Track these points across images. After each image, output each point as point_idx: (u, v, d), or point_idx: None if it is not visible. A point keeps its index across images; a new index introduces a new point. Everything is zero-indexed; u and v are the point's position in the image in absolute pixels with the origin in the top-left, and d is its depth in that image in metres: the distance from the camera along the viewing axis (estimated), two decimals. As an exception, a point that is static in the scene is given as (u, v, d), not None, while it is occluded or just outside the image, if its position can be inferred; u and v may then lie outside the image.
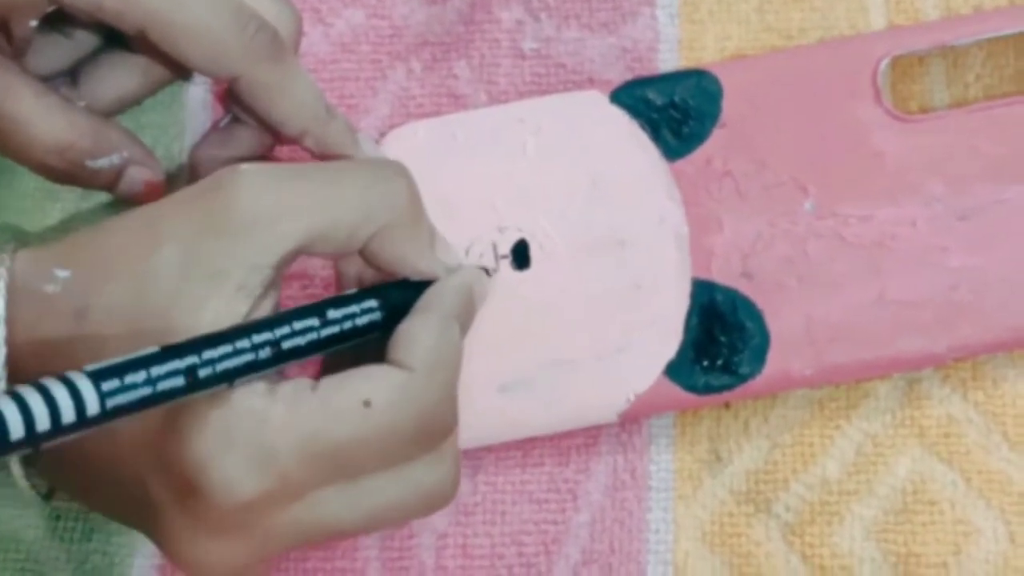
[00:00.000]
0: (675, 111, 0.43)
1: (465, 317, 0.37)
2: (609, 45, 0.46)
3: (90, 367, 0.30)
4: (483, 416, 0.41)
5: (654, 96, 0.43)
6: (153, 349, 0.31)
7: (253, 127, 0.41)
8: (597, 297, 0.42)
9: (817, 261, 0.41)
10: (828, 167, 0.42)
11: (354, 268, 0.39)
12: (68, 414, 0.29)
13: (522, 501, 0.43)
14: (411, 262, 0.36)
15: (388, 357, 0.35)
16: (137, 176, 0.42)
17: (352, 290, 0.36)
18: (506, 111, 0.44)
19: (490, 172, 0.43)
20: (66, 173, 0.41)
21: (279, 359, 0.33)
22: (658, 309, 0.42)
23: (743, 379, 0.41)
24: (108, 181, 0.42)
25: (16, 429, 0.28)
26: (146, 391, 0.30)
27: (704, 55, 0.45)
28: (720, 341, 0.41)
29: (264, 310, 0.35)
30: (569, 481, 0.43)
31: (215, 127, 0.43)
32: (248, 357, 0.32)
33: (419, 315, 0.36)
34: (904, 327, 0.41)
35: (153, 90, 0.43)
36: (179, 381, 0.31)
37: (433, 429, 0.35)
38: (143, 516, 0.35)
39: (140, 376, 0.30)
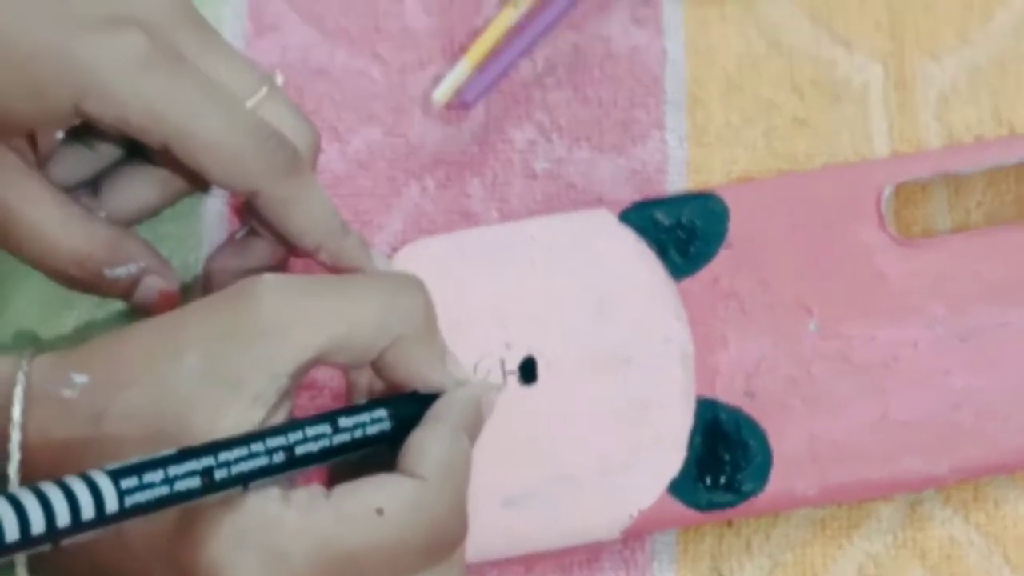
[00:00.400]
0: (682, 231, 0.44)
1: (473, 429, 0.37)
2: (619, 166, 0.47)
3: (109, 466, 0.31)
4: (487, 530, 0.41)
5: (662, 216, 0.44)
6: (171, 451, 0.32)
7: (269, 239, 0.42)
8: (602, 414, 0.42)
9: (821, 381, 0.42)
10: (832, 289, 0.43)
11: (365, 379, 0.40)
12: (88, 510, 0.29)
13: (524, 616, 0.43)
14: (423, 375, 0.37)
15: (399, 467, 0.35)
16: (153, 285, 0.43)
17: (363, 400, 0.37)
18: (516, 228, 0.45)
19: (500, 288, 0.44)
20: (84, 282, 0.42)
21: (292, 464, 0.34)
22: (662, 427, 0.42)
23: (746, 497, 0.41)
24: (125, 290, 0.43)
25: (37, 523, 0.28)
26: (164, 490, 0.31)
27: (712, 178, 0.46)
28: (723, 459, 0.42)
29: (279, 418, 0.35)
30: (572, 597, 0.43)
31: (231, 239, 0.44)
32: (262, 461, 0.33)
33: (430, 426, 0.36)
34: (907, 448, 0.41)
35: (172, 201, 0.44)
36: (195, 482, 0.32)
37: (443, 539, 0.35)
38: None
39: (158, 475, 0.31)
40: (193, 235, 0.47)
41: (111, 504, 0.30)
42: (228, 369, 0.34)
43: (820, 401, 0.42)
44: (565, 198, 0.47)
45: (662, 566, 0.43)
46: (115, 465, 0.31)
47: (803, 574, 0.42)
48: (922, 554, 0.42)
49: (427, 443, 0.35)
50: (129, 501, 0.30)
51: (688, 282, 0.44)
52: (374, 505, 0.34)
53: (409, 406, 0.37)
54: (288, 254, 0.43)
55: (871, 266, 0.43)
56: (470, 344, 0.42)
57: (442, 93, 0.47)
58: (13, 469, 0.35)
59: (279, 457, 0.34)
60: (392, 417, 0.37)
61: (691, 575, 0.42)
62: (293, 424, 0.35)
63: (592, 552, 0.43)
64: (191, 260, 0.47)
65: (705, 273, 0.44)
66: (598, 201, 0.46)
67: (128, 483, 0.30)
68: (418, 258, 0.44)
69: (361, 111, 0.48)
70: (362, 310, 0.36)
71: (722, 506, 0.41)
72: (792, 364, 0.42)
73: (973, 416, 0.41)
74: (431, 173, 0.47)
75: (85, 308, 0.46)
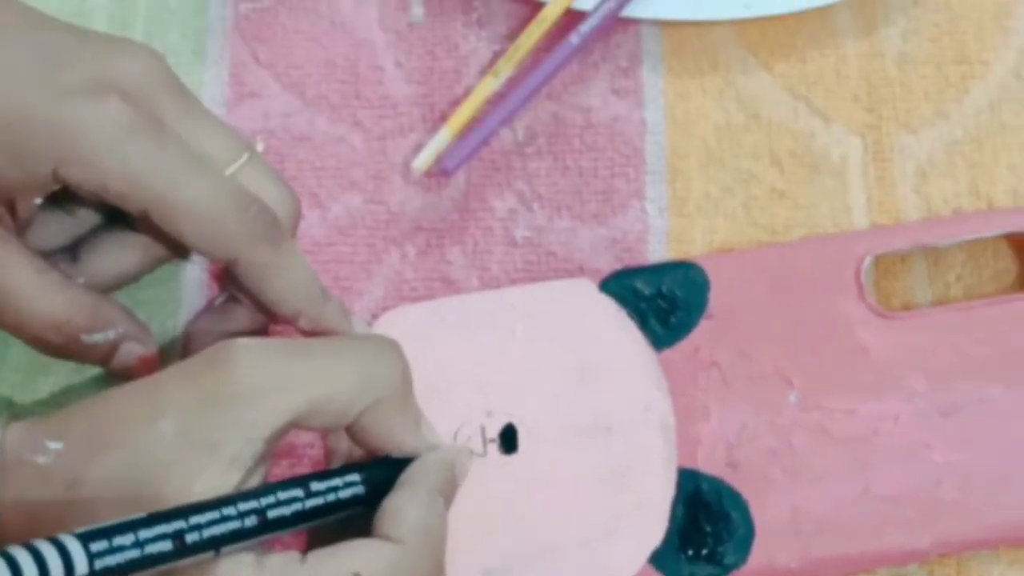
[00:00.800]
0: (663, 301, 0.44)
1: (448, 492, 0.37)
2: (599, 236, 0.47)
3: (79, 530, 0.30)
4: (467, 601, 0.41)
5: (642, 286, 0.44)
6: (141, 515, 0.32)
7: (248, 306, 0.42)
8: (583, 483, 0.42)
9: (802, 453, 0.42)
10: (812, 360, 0.43)
11: (344, 445, 0.39)
12: (57, 573, 0.29)
13: None
14: (398, 439, 0.37)
15: (376, 531, 0.35)
16: (132, 351, 0.42)
17: (337, 465, 0.37)
18: (497, 296, 0.45)
19: (480, 356, 0.44)
20: (62, 348, 0.42)
21: (264, 528, 0.34)
22: (644, 497, 0.42)
23: (728, 570, 0.41)
24: (103, 356, 0.42)
25: None
26: (134, 553, 0.31)
27: (692, 247, 0.46)
28: (706, 530, 0.41)
29: (254, 482, 0.35)
30: (552, 669, 0.42)
31: (210, 304, 0.44)
32: (234, 524, 0.33)
33: (405, 489, 0.36)
34: (889, 522, 0.41)
35: (151, 268, 0.44)
36: (167, 545, 0.31)
37: None
38: None
39: (128, 539, 0.31)
40: (172, 301, 0.46)
41: (80, 567, 0.30)
42: (204, 433, 0.34)
43: (802, 473, 0.42)
44: (545, 266, 0.47)
45: (643, 639, 0.42)
46: (85, 529, 0.31)
47: (785, 648, 0.42)
48: (905, 628, 0.42)
49: (403, 507, 0.35)
50: (99, 564, 0.30)
51: (669, 352, 0.43)
52: (351, 570, 0.34)
53: (383, 470, 0.37)
54: (268, 320, 0.43)
55: (851, 338, 0.43)
56: (450, 411, 0.42)
57: (422, 161, 0.47)
58: None
59: (251, 521, 0.33)
60: (365, 481, 0.36)
61: (672, 648, 0.42)
62: (265, 488, 0.35)
63: (573, 623, 0.42)
64: (169, 326, 0.46)
65: (686, 343, 0.43)
66: (579, 270, 0.46)
67: (98, 546, 0.30)
68: (398, 325, 0.44)
69: (342, 178, 0.48)
70: (340, 374, 0.36)
71: (704, 578, 0.41)
72: (773, 436, 0.42)
73: (955, 491, 0.41)
74: (411, 240, 0.47)
75: (62, 373, 0.45)
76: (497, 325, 0.44)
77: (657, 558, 0.41)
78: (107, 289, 0.43)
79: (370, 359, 0.36)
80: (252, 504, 0.34)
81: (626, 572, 0.41)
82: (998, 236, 0.45)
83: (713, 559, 0.41)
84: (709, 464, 0.42)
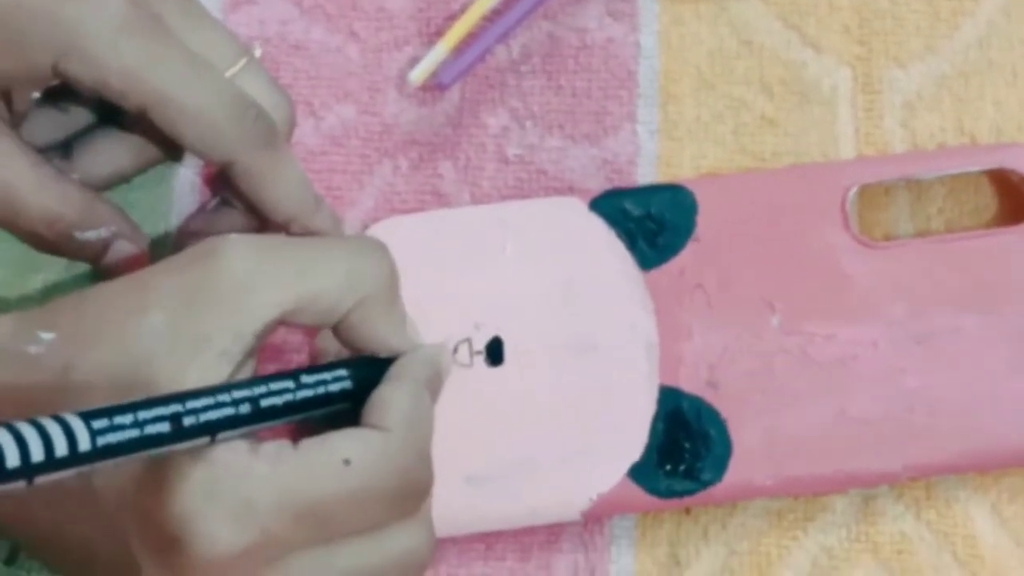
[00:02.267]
0: (651, 222, 0.45)
1: (434, 388, 0.38)
2: (590, 156, 0.48)
3: (80, 410, 0.31)
4: (448, 506, 0.41)
5: (631, 207, 0.45)
6: (140, 398, 0.32)
7: (240, 211, 0.43)
8: (567, 398, 0.43)
9: (781, 376, 0.43)
10: (795, 286, 0.44)
11: (333, 346, 0.40)
12: (61, 447, 0.29)
13: (482, 594, 0.43)
14: (384, 337, 0.37)
15: (364, 421, 0.36)
16: (123, 250, 0.43)
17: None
18: (488, 212, 0.46)
19: (469, 270, 0.44)
20: (54, 243, 0.42)
21: (257, 417, 0.34)
22: (625, 413, 0.43)
23: (704, 485, 0.42)
24: (94, 253, 0.43)
25: (12, 457, 0.29)
26: (133, 433, 0.31)
27: (681, 171, 0.47)
28: (684, 447, 0.42)
29: (243, 376, 0.36)
30: (530, 576, 0.43)
31: (203, 207, 0.44)
32: (229, 411, 0.33)
33: (392, 383, 0.37)
34: (862, 444, 0.42)
35: (144, 168, 0.45)
36: (164, 427, 0.32)
37: (411, 489, 0.35)
38: None
39: (128, 418, 0.31)
40: (163, 203, 0.47)
41: (84, 443, 0.30)
42: (194, 326, 0.35)
43: (780, 395, 0.43)
44: (536, 184, 0.48)
45: (620, 550, 0.43)
46: (85, 409, 0.31)
47: (758, 564, 0.43)
48: (874, 548, 0.43)
49: (390, 398, 0.36)
50: (101, 441, 0.31)
51: (655, 273, 0.44)
52: (341, 456, 0.34)
53: (370, 368, 0.37)
54: (260, 226, 0.43)
55: (834, 266, 0.44)
56: (438, 323, 0.43)
57: (418, 74, 0.47)
58: None
59: (245, 408, 0.34)
60: (353, 376, 0.37)
61: (649, 560, 0.43)
62: (258, 379, 0.35)
63: (552, 533, 0.44)
64: (160, 228, 0.47)
65: (672, 265, 0.44)
66: (569, 189, 0.47)
67: (99, 424, 0.31)
68: (390, 236, 0.44)
69: (336, 88, 0.48)
70: (328, 270, 0.36)
71: (681, 494, 0.42)
72: (754, 358, 0.43)
73: (927, 416, 0.42)
74: (404, 153, 0.48)
75: (52, 271, 0.45)
76: (487, 240, 0.45)
77: (636, 472, 0.42)
78: (100, 188, 0.44)
79: (358, 257, 0.37)
80: (245, 392, 0.34)
81: (605, 485, 0.42)
82: (980, 172, 0.46)
83: (690, 475, 0.42)
84: (690, 383, 0.43)
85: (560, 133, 0.48)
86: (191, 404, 0.33)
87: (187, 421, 0.32)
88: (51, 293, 0.46)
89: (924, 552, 0.43)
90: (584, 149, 0.48)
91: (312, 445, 0.34)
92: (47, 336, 0.36)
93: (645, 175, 0.47)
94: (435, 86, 0.47)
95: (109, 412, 0.31)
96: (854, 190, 0.45)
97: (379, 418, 0.35)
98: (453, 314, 0.43)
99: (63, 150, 0.44)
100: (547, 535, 0.44)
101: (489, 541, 0.43)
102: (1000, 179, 0.46)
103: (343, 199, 0.47)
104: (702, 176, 0.47)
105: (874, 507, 0.43)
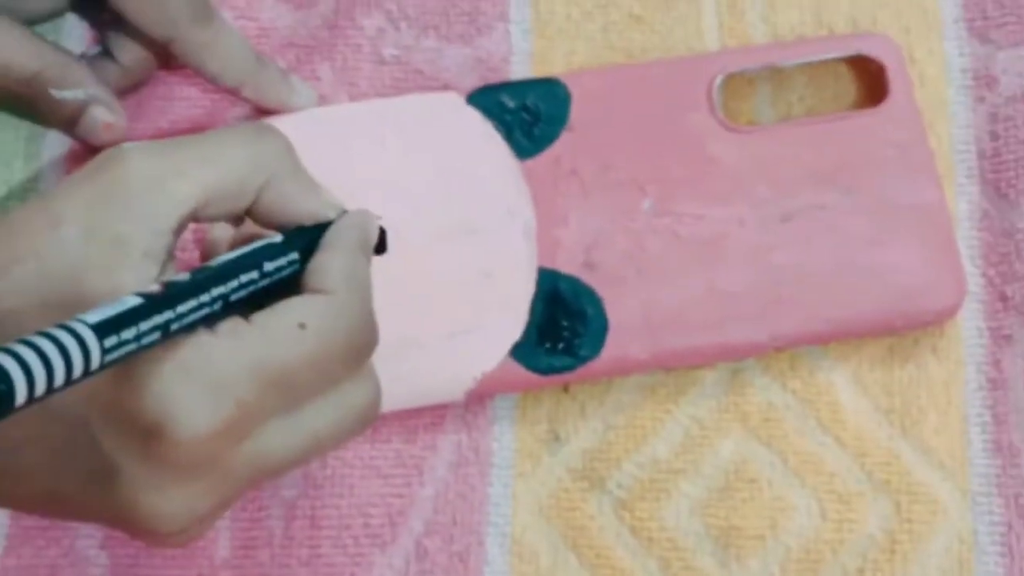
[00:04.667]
0: (526, 114, 0.46)
1: (365, 248, 0.38)
2: (465, 55, 0.49)
3: (89, 321, 0.30)
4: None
5: (507, 100, 0.46)
6: (136, 302, 0.32)
7: (117, 64, 0.47)
8: (449, 282, 0.44)
9: (654, 255, 0.45)
10: (665, 170, 0.46)
11: (224, 234, 0.40)
12: (78, 365, 0.29)
13: (370, 476, 0.45)
14: (301, 205, 0.38)
15: (307, 288, 0.36)
16: (99, 117, 0.45)
17: (270, 239, 0.37)
18: (368, 107, 0.47)
19: (351, 162, 0.46)
20: (31, 102, 0.45)
21: (224, 312, 0.35)
22: (506, 294, 0.44)
23: (583, 361, 0.44)
24: (70, 115, 0.45)
25: (40, 378, 0.28)
26: (133, 346, 0.31)
27: (553, 68, 0.49)
28: (563, 325, 0.44)
29: (167, 275, 0.35)
30: (416, 457, 0.45)
31: (84, 55, 0.47)
32: (207, 311, 0.34)
33: (327, 248, 0.37)
34: (731, 317, 0.44)
35: (62, 12, 0.48)
36: (157, 335, 0.32)
37: (361, 344, 0.36)
38: (90, 486, 0.35)
39: (132, 332, 0.31)
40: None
41: (95, 361, 0.30)
42: (109, 230, 0.34)
43: (653, 273, 0.45)
44: (412, 84, 0.49)
45: (503, 429, 0.45)
46: (92, 321, 0.30)
47: (634, 436, 0.45)
48: (743, 417, 0.45)
49: (327, 262, 0.36)
50: (108, 358, 0.30)
51: (532, 162, 0.46)
52: (295, 321, 0.35)
53: (301, 239, 0.38)
54: (137, 79, 0.47)
55: (702, 151, 0.46)
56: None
57: (294, -23, 0.48)
58: None
59: (218, 306, 0.34)
60: (300, 255, 0.37)
61: (530, 437, 0.45)
62: (225, 272, 0.35)
63: (436, 415, 0.45)
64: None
65: (548, 153, 0.46)
66: (445, 88, 0.48)
67: (110, 341, 0.30)
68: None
69: (213, -7, 0.48)
70: (229, 157, 0.37)
71: (561, 370, 0.44)
72: (628, 239, 0.45)
73: (792, 289, 0.44)
74: (282, 55, 0.49)
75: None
76: (367, 134, 0.46)
77: (517, 351, 0.44)
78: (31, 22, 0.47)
79: (254, 139, 0.37)
80: (221, 290, 0.34)
81: (488, 364, 0.44)
82: (838, 60, 0.48)
83: (569, 351, 0.44)
84: (567, 265, 0.45)
85: (435, 34, 0.49)
86: (180, 309, 0.33)
87: (174, 326, 0.33)
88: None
89: (790, 419, 0.45)
90: (459, 49, 0.49)
91: (266, 317, 0.35)
92: None
93: (519, 73, 0.49)
94: (311, -12, 0.48)
95: (116, 327, 0.31)
96: (719, 79, 0.47)
97: (322, 283, 0.36)
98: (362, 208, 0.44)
99: None
100: (431, 417, 0.45)
101: (375, 425, 0.44)
102: (858, 65, 0.48)
103: (221, 105, 0.48)
104: (575, 70, 0.48)
105: (742, 379, 0.45)
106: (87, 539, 0.44)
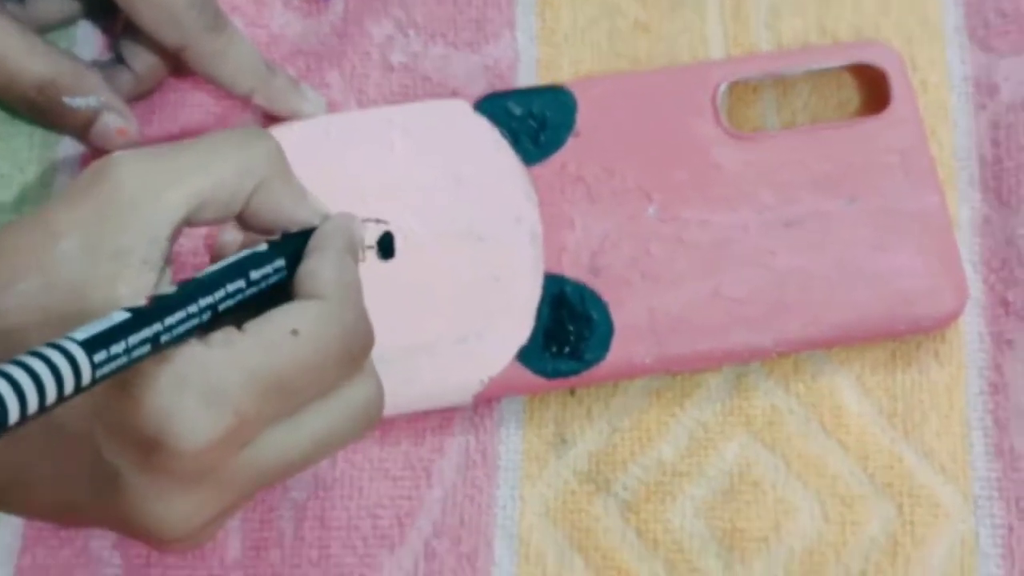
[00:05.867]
0: (533, 120, 0.47)
1: (353, 252, 0.39)
2: (472, 62, 0.49)
3: (78, 338, 0.30)
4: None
5: (514, 107, 0.47)
6: (123, 317, 0.32)
7: (130, 71, 0.47)
8: (456, 286, 0.45)
9: (659, 260, 0.45)
10: (670, 177, 0.46)
11: (234, 237, 0.41)
12: (69, 382, 0.30)
13: (379, 478, 0.45)
14: (289, 212, 0.38)
15: (298, 294, 0.36)
16: (111, 123, 0.46)
17: (254, 249, 0.38)
18: (377, 114, 0.47)
19: (360, 168, 0.46)
20: (45, 110, 0.46)
21: (212, 323, 0.35)
22: (512, 299, 0.45)
23: (588, 365, 0.44)
24: (83, 123, 0.46)
25: (32, 398, 0.28)
26: (123, 360, 0.31)
27: (559, 75, 0.49)
28: (568, 330, 0.45)
29: (165, 283, 0.36)
30: (424, 460, 0.45)
31: (97, 62, 0.48)
32: (195, 322, 0.34)
33: (315, 253, 0.37)
34: (735, 321, 0.45)
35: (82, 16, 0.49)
36: (147, 348, 0.32)
37: (355, 346, 0.37)
38: (96, 496, 0.35)
39: (121, 347, 0.31)
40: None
41: (86, 376, 0.30)
42: (108, 242, 0.35)
43: (658, 278, 0.45)
44: (421, 91, 0.49)
45: (509, 431, 0.45)
46: (80, 337, 0.31)
47: (639, 439, 0.45)
48: (747, 421, 0.45)
49: (317, 267, 0.37)
50: (99, 372, 0.31)
51: (538, 168, 0.46)
52: (288, 328, 0.35)
53: (288, 246, 0.38)
54: (149, 86, 0.48)
55: (706, 157, 0.46)
56: (330, 221, 0.44)
57: (304, -15, 0.49)
58: None
59: (207, 316, 0.34)
60: (286, 259, 0.38)
61: (536, 439, 0.45)
62: (212, 283, 0.35)
63: (444, 418, 0.45)
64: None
65: (554, 159, 0.46)
66: (452, 94, 0.49)
67: (99, 357, 0.31)
68: (283, 140, 0.45)
69: (224, 2, 0.49)
70: (221, 161, 0.37)
71: (566, 373, 0.44)
72: (633, 244, 0.45)
73: (795, 294, 0.45)
74: (291, 63, 0.49)
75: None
76: (377, 140, 0.47)
77: (524, 355, 0.44)
78: (46, 31, 0.48)
79: (246, 145, 0.37)
80: (209, 300, 0.35)
81: (495, 367, 0.44)
82: (841, 68, 0.48)
83: (575, 355, 0.44)
84: (573, 270, 0.45)
85: (443, 41, 0.50)
86: (168, 321, 0.33)
87: (164, 339, 0.33)
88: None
89: (794, 423, 0.45)
90: (466, 56, 0.50)
91: (259, 325, 0.35)
92: None
93: (525, 80, 0.49)
94: (320, -4, 0.49)
95: (105, 343, 0.31)
96: (724, 86, 0.47)
97: (312, 288, 0.36)
98: (346, 211, 0.45)
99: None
100: (439, 420, 0.45)
101: (384, 428, 0.45)
102: (861, 73, 0.49)
103: (232, 111, 0.49)
104: (581, 77, 0.49)
105: (746, 383, 0.46)
106: (100, 540, 0.44)
